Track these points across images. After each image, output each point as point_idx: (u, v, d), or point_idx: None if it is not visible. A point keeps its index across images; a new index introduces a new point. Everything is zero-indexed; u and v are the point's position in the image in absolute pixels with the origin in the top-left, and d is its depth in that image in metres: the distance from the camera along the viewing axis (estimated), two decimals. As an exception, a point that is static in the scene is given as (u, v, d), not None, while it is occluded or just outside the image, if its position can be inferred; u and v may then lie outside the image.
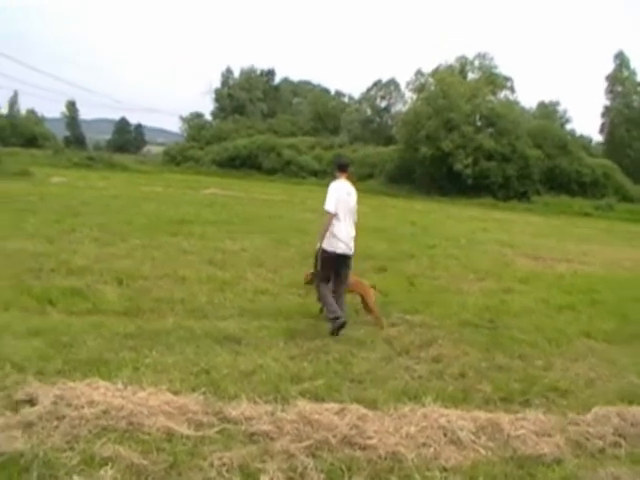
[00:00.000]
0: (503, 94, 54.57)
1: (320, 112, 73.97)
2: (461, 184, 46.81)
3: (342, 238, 7.33)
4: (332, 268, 7.39)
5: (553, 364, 6.79)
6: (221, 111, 78.04)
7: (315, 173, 53.84)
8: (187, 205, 22.06)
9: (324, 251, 7.32)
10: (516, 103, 54.01)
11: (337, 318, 7.08)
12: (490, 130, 48.60)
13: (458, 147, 47.05)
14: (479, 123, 50.14)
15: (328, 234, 7.27)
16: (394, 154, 53.30)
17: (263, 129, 68.84)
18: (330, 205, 7.24)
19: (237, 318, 7.54)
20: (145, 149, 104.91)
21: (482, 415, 5.02)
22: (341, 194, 7.38)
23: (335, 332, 7.10)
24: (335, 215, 7.24)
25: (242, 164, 59.26)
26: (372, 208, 30.30)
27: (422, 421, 4.78)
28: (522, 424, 4.91)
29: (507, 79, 54.67)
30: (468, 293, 10.37)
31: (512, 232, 23.36)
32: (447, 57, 60.23)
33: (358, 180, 53.80)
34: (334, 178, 7.66)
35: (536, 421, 4.99)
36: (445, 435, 4.64)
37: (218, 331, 6.82)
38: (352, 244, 7.47)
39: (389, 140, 62.07)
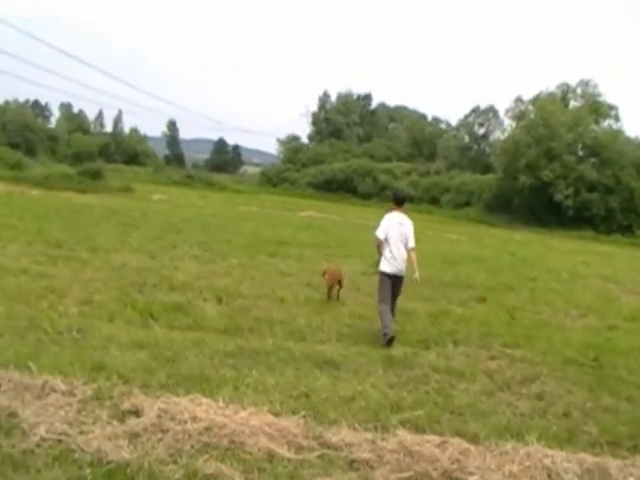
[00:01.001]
0: (607, 123, 52.71)
1: (416, 138, 73.83)
2: (561, 215, 45.71)
3: (393, 261, 8.26)
4: (387, 285, 8.30)
5: (665, 408, 6.39)
6: (318, 134, 79.44)
7: (411, 200, 53.56)
8: (284, 226, 22.47)
9: (380, 272, 8.36)
10: (621, 132, 51.87)
11: (386, 334, 7.81)
12: (593, 160, 47.06)
13: (559, 177, 46.02)
14: (581, 153, 48.70)
15: (382, 257, 8.32)
16: (492, 182, 52.50)
17: (359, 153, 69.43)
18: (379, 232, 8.31)
19: (335, 342, 7.58)
20: (242, 169, 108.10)
21: (588, 458, 4.79)
22: (392, 223, 8.34)
23: (386, 344, 7.70)
24: (385, 241, 8.26)
25: (338, 187, 60.02)
26: (470, 237, 29.86)
27: (525, 460, 4.61)
28: (631, 471, 4.65)
29: (611, 107, 52.69)
30: (571, 329, 10.00)
31: (616, 267, 22.37)
32: (548, 84, 58.36)
33: (454, 208, 54.34)
34: (390, 210, 8.55)
35: (647, 468, 4.70)
36: (549, 477, 4.46)
37: (317, 354, 6.87)
38: (403, 266, 8.32)
39: (487, 168, 61.11)
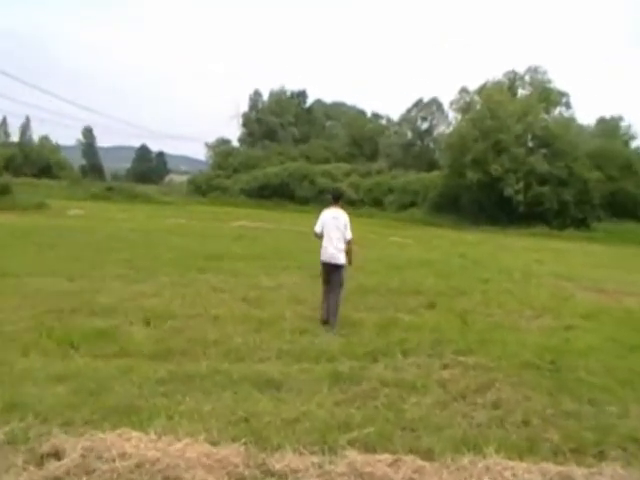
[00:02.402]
0: (558, 111, 53.88)
1: (356, 136, 74.55)
2: (512, 212, 46.36)
3: (324, 250, 9.79)
4: (323, 272, 9.99)
5: (629, 410, 6.56)
6: (249, 136, 79.24)
7: (352, 202, 53.75)
8: (216, 239, 22.35)
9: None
10: (573, 121, 52.93)
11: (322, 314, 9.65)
12: (543, 151, 47.83)
13: (508, 171, 46.60)
14: (531, 144, 49.47)
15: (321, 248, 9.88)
16: (438, 180, 53.14)
17: (295, 155, 69.63)
18: (316, 227, 9.93)
19: (276, 361, 7.56)
20: (168, 178, 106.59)
21: (551, 468, 4.86)
22: (327, 217, 9.87)
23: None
24: (321, 234, 9.83)
25: (273, 193, 59.95)
26: (416, 239, 30.30)
27: (484, 474, 4.68)
28: (598, 479, 4.75)
29: (562, 94, 53.79)
30: (526, 331, 10.24)
31: (571, 263, 23.09)
32: (494, 73, 59.77)
33: (399, 210, 55.08)
34: (328, 206, 10.14)
35: (614, 476, 4.80)
36: (511, 490, 4.55)
37: (257, 375, 6.84)
38: (335, 255, 9.71)
39: (432, 165, 62.06)
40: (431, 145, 70.62)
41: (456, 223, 46.13)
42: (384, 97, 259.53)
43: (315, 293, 12.26)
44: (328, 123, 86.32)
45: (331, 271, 9.80)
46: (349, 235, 9.77)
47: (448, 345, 8.70)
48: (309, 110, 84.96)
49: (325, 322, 9.54)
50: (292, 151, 71.80)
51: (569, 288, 16.04)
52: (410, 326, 9.74)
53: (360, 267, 14.99)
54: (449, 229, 42.25)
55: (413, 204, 54.35)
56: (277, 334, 8.80)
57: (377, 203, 57.09)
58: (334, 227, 9.79)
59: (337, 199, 10.20)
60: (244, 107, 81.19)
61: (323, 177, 60.70)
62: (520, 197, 46.06)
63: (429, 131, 71.29)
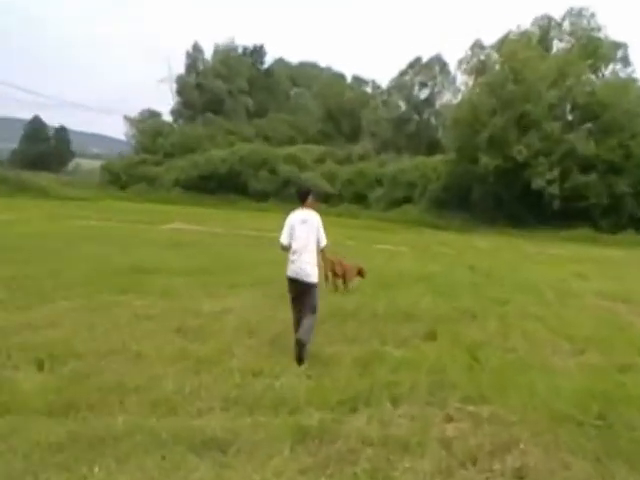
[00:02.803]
0: (610, 70, 53.03)
1: (332, 108, 75.02)
2: (543, 209, 46.51)
3: (291, 264, 10.11)
4: (291, 292, 10.28)
5: None
6: (187, 108, 79.17)
7: (326, 199, 53.68)
8: (141, 247, 22.35)
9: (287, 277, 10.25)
10: (632, 83, 51.28)
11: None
12: (589, 126, 47.09)
13: (538, 154, 46.53)
14: (571, 117, 49.44)
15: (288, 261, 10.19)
16: (441, 167, 53.67)
17: (249, 134, 69.90)
18: (283, 237, 10.15)
19: (221, 413, 7.50)
20: (72, 164, 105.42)
21: None
22: (295, 223, 10.15)
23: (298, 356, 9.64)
24: (289, 246, 10.12)
25: (219, 186, 60.09)
26: (411, 246, 30.47)
27: None
28: None
29: (617, 46, 52.44)
30: (562, 372, 10.20)
31: (626, 278, 23.24)
32: (520, 20, 58.73)
33: (389, 207, 55.23)
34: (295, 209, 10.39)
35: None
36: None
37: (193, 433, 6.76)
38: (306, 270, 10.02)
39: (434, 147, 62.48)
40: (432, 120, 71.11)
41: (465, 224, 46.53)
42: (369, 56, 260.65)
43: (274, 319, 12.29)
44: (294, 91, 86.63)
45: (302, 291, 10.07)
46: (323, 241, 10.19)
47: (453, 390, 8.71)
48: (268, 73, 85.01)
49: (300, 359, 9.64)
50: (245, 129, 71.98)
51: (624, 313, 16.07)
52: (402, 363, 9.75)
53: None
54: (455, 232, 42.67)
55: (408, 200, 54.78)
56: (222, 376, 8.76)
57: (360, 199, 57.54)
58: (304, 234, 10.10)
59: (305, 197, 10.41)
60: (179, 67, 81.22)
61: (287, 164, 60.93)
62: (554, 189, 45.83)
63: (430, 101, 71.62)
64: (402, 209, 52.96)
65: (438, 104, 70.56)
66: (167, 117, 79.49)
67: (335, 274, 16.43)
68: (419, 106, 71.35)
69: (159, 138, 70.99)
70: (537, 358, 10.95)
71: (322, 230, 10.15)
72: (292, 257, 10.09)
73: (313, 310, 10.06)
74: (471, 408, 8.17)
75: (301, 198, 10.41)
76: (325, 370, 9.30)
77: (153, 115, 78.54)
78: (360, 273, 17.18)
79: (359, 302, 14.51)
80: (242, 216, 40.75)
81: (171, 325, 11.48)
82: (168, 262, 19.10)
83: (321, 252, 10.26)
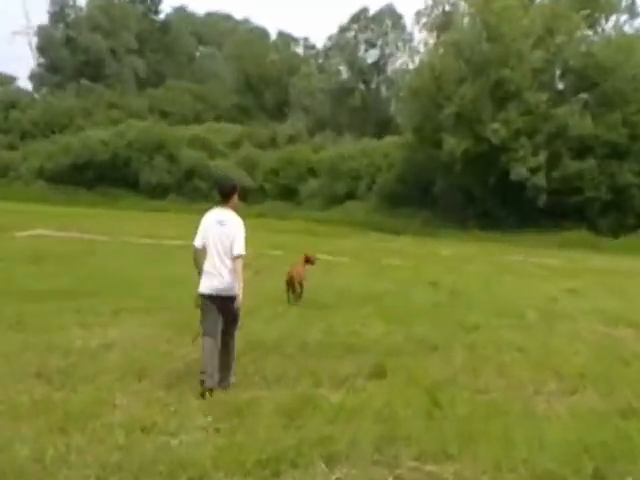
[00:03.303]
0: (613, 23, 53.39)
1: (251, 75, 74.79)
2: (526, 205, 46.80)
3: (211, 277, 10.65)
4: (209, 312, 10.74)
5: None
6: (53, 72, 78.15)
7: (244, 195, 53.54)
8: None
9: (199, 294, 10.79)
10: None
11: (203, 381, 10.34)
12: (584, 97, 47.12)
13: (519, 134, 46.66)
14: (561, 85, 50.17)
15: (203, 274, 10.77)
16: (395, 153, 54.10)
17: (141, 109, 69.35)
18: (196, 239, 10.73)
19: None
20: None
21: None
22: (210, 224, 10.75)
23: (201, 395, 10.19)
24: (200, 249, 10.74)
25: (100, 178, 59.40)
26: (355, 256, 30.56)
27: None
28: None
29: None
30: (547, 418, 10.32)
31: (631, 295, 23.59)
32: None
33: (326, 205, 55.02)
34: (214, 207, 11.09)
35: None
36: None
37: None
38: (228, 283, 10.56)
39: (384, 126, 62.83)
40: (383, 91, 71.32)
41: (425, 226, 46.90)
42: (300, 6, 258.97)
43: (171, 356, 12.23)
44: (200, 51, 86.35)
45: (226, 307, 10.66)
46: (237, 249, 10.62)
47: (407, 444, 8.74)
48: (165, 27, 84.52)
49: (209, 392, 10.23)
50: (135, 101, 71.65)
51: (628, 340, 16.27)
52: (340, 411, 9.75)
53: (254, 308, 14.98)
54: (413, 237, 42.97)
55: (351, 195, 55.12)
56: (100, 435, 8.64)
57: (288, 194, 57.63)
58: (219, 238, 10.68)
59: (228, 196, 10.97)
60: (40, 15, 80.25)
61: (192, 148, 60.66)
62: (540, 179, 46.09)
63: (379, 66, 71.89)
64: (343, 207, 53.14)
65: (390, 69, 70.97)
66: (25, 83, 78.68)
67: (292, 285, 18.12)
68: (365, 72, 71.69)
69: (13, 112, 69.95)
70: (516, 401, 10.99)
71: (240, 236, 10.62)
72: (207, 268, 10.63)
73: (236, 323, 10.93)
74: (430, 467, 8.20)
75: (224, 195, 10.91)
76: (239, 422, 9.25)
77: (4, 81, 77.36)
78: (309, 261, 19.16)
79: (285, 330, 14.54)
80: (131, 218, 40.40)
81: (28, 368, 11.25)
82: (25, 282, 18.93)
83: (235, 260, 10.53)
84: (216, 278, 10.58)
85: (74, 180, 58.90)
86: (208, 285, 10.61)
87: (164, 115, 68.16)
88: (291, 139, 63.33)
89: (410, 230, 45.55)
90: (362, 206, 52.50)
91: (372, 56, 71.65)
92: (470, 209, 47.77)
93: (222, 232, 10.58)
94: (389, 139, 57.24)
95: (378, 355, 12.95)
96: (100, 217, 41.74)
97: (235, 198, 10.97)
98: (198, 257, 10.75)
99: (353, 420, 9.42)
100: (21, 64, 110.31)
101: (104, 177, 59.32)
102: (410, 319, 16.73)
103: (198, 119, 68.33)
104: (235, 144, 62.57)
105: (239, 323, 11.07)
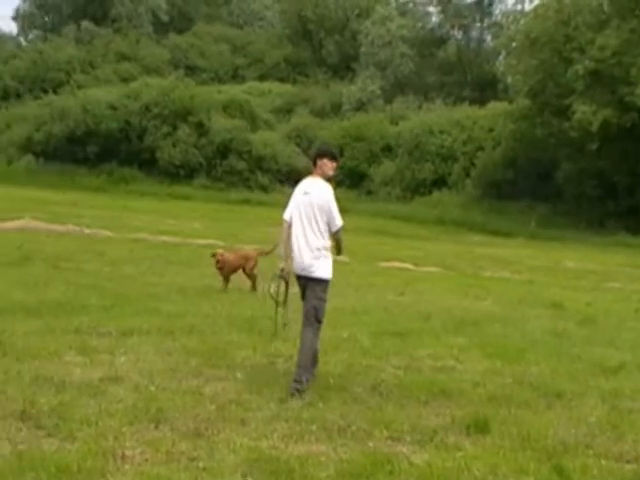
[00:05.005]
0: None
1: (306, 17, 74.82)
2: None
3: (294, 253, 12.56)
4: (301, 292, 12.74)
5: None
6: (45, 11, 78.69)
7: (297, 177, 53.64)
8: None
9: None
10: None
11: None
12: None
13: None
14: None
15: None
16: (503, 125, 54.35)
17: (160, 62, 69.71)
18: (285, 212, 12.75)
19: None
20: None
21: None
22: (297, 195, 12.64)
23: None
24: (290, 223, 12.65)
25: (106, 153, 59.73)
26: (446, 264, 30.57)
27: None
28: None
29: None
30: None
31: None
32: None
33: (407, 193, 54.46)
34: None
35: None
36: None
37: None
38: (309, 261, 12.34)
39: (488, 89, 62.69)
40: (487, 40, 71.26)
41: (544, 226, 46.66)
42: None
43: (199, 394, 12.16)
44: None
45: (305, 288, 12.62)
46: (335, 223, 12.44)
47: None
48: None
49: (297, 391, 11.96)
50: (153, 52, 71.97)
51: None
52: (427, 476, 9.61)
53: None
54: (526, 240, 43.00)
55: (440, 181, 54.94)
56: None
57: (355, 179, 57.96)
58: (305, 211, 12.45)
59: (316, 160, 12.82)
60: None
61: (227, 116, 60.89)
62: None
63: (481, 6, 72.01)
64: (430, 199, 53.09)
65: (497, 11, 70.71)
66: (8, 24, 79.54)
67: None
68: (463, 15, 71.19)
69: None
70: None
71: (333, 206, 12.28)
72: (293, 243, 12.48)
73: (315, 317, 12.38)
74: None
75: (315, 159, 12.72)
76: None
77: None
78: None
79: (352, 362, 14.48)
80: (145, 207, 40.66)
81: (10, 406, 11.13)
82: (5, 290, 19.02)
83: (333, 238, 12.31)
84: (297, 255, 12.39)
85: (71, 156, 59.16)
86: (294, 261, 12.43)
87: (191, 71, 68.48)
88: (361, 105, 63.31)
89: (523, 232, 45.37)
90: (456, 198, 52.24)
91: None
92: (610, 204, 47.12)
93: (309, 203, 12.22)
94: (495, 106, 56.96)
95: (478, 402, 12.80)
96: (105, 205, 41.93)
97: (322, 162, 12.58)
98: (286, 232, 12.59)
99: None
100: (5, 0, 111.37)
101: (110, 152, 59.59)
102: (523, 354, 16.55)
103: (236, 77, 68.54)
104: (285, 111, 62.69)
105: (322, 314, 12.54)
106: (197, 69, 69.94)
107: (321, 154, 12.91)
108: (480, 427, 11.60)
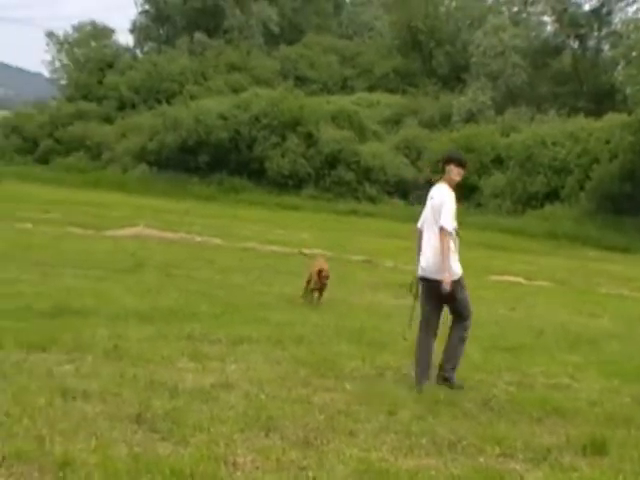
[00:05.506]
0: None
1: (416, 28, 74.85)
2: None
3: (420, 256, 13.34)
4: (422, 298, 13.43)
5: None
6: (159, 23, 79.35)
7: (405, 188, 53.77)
8: (70, 269, 23.17)
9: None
10: None
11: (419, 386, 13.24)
12: None
13: None
14: None
15: None
16: (622, 137, 52.86)
17: (269, 72, 70.05)
18: (419, 221, 13.65)
19: None
20: None
21: None
22: (427, 202, 13.45)
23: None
24: (419, 230, 13.55)
25: (215, 162, 60.20)
26: (559, 279, 30.46)
27: None
28: None
29: None
30: None
31: None
32: None
33: (518, 207, 54.29)
34: None
35: None
36: None
37: None
38: (434, 264, 12.89)
39: (604, 101, 62.07)
40: (605, 50, 70.59)
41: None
42: None
43: (308, 403, 12.18)
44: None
45: (432, 292, 13.18)
46: (442, 219, 12.90)
47: None
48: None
49: (419, 388, 13.09)
50: (263, 63, 72.33)
51: None
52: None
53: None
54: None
55: (553, 196, 54.61)
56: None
57: (464, 191, 56.56)
58: (429, 215, 13.34)
59: (449, 163, 13.58)
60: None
61: (336, 126, 60.95)
62: None
63: (599, 15, 71.19)
64: (543, 212, 52.78)
65: (617, 20, 70.12)
66: (125, 37, 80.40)
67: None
68: (580, 24, 70.71)
69: (110, 74, 71.20)
70: None
71: (444, 207, 12.91)
72: (423, 246, 13.26)
73: (459, 312, 13.34)
74: None
75: (441, 167, 13.74)
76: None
77: (100, 34, 78.61)
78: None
79: (462, 377, 14.31)
80: (254, 216, 40.82)
81: (127, 409, 11.30)
82: (120, 297, 19.24)
83: (440, 234, 12.69)
84: (422, 257, 13.15)
85: (183, 165, 59.79)
86: (420, 265, 13.15)
87: (301, 82, 68.77)
88: (471, 116, 63.26)
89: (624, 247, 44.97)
90: (570, 211, 51.92)
91: (590, 1, 70.76)
92: None
93: (432, 207, 13.03)
94: (612, 118, 56.40)
95: (595, 422, 12.59)
96: (215, 214, 42.39)
97: (450, 170, 13.31)
98: (417, 239, 13.45)
99: None
100: (121, 14, 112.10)
101: (221, 162, 60.07)
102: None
103: (345, 88, 68.74)
104: (394, 122, 62.77)
105: (467, 310, 13.39)
106: (306, 80, 70.31)
107: (449, 160, 13.56)
108: (597, 448, 11.37)
